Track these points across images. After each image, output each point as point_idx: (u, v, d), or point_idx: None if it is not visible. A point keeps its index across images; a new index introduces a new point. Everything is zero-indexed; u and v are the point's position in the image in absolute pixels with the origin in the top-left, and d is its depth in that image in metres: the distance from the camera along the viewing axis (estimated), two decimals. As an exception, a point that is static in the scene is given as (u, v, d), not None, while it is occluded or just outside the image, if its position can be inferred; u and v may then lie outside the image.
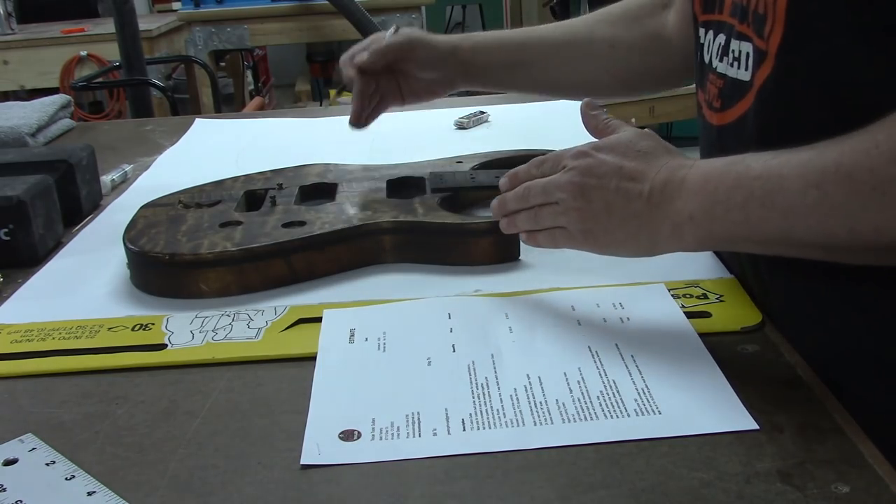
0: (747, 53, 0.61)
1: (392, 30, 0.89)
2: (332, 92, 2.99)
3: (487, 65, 0.91)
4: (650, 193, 0.59)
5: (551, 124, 1.28)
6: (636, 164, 0.61)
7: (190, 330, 0.68)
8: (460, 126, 1.25)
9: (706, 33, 0.70)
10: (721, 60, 0.66)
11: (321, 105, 3.43)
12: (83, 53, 3.14)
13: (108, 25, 2.68)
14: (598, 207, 0.61)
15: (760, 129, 0.61)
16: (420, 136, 1.25)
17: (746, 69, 0.62)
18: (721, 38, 0.67)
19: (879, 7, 0.52)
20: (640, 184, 0.59)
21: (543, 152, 1.01)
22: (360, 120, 0.90)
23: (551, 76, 0.92)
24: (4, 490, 0.49)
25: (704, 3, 0.70)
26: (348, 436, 0.53)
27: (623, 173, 0.60)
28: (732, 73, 0.64)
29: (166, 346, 0.66)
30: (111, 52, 2.83)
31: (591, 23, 0.92)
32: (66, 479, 0.50)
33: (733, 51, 0.64)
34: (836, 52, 0.55)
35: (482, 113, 1.28)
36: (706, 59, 0.70)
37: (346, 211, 0.81)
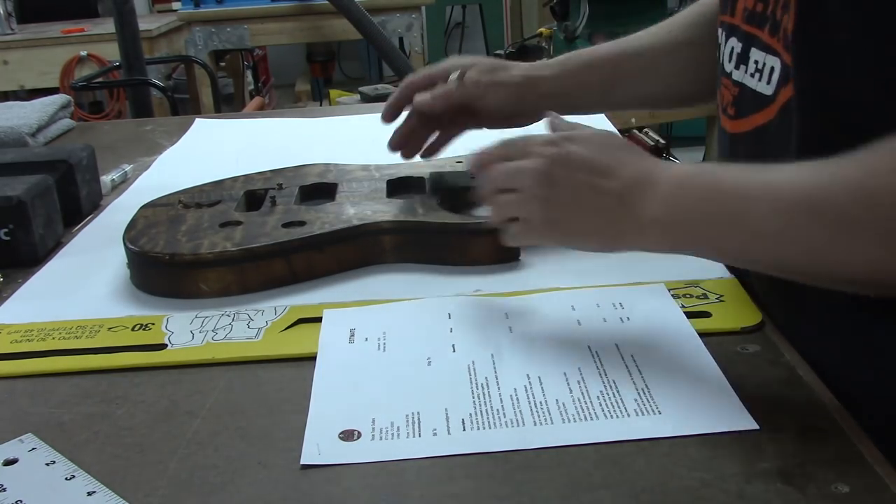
0: (772, 67, 0.60)
1: (456, 75, 0.83)
2: (332, 92, 2.99)
3: (578, 88, 0.85)
4: (620, 192, 0.58)
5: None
6: (608, 161, 0.59)
7: (190, 330, 0.68)
8: (460, 126, 1.25)
9: (721, 34, 0.69)
10: (738, 68, 0.65)
11: (321, 105, 3.43)
12: (83, 53, 3.14)
13: (108, 25, 2.68)
14: (564, 199, 0.59)
15: (781, 146, 0.60)
16: (420, 136, 1.25)
17: (769, 83, 0.61)
18: (734, 42, 0.65)
19: (876, 37, 0.52)
20: (611, 181, 0.58)
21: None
22: (396, 148, 0.88)
23: (651, 90, 0.87)
24: (4, 490, 0.49)
25: (722, 3, 0.69)
26: (348, 436, 0.53)
27: (594, 168, 0.59)
28: (751, 83, 0.63)
29: (166, 346, 0.66)
30: (111, 52, 2.83)
31: (687, 25, 0.85)
32: (66, 479, 0.50)
33: (756, 61, 0.62)
34: (840, 75, 0.54)
35: (482, 113, 1.28)
36: (720, 60, 0.69)
37: (346, 211, 0.81)
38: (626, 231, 0.58)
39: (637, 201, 0.57)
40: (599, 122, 1.28)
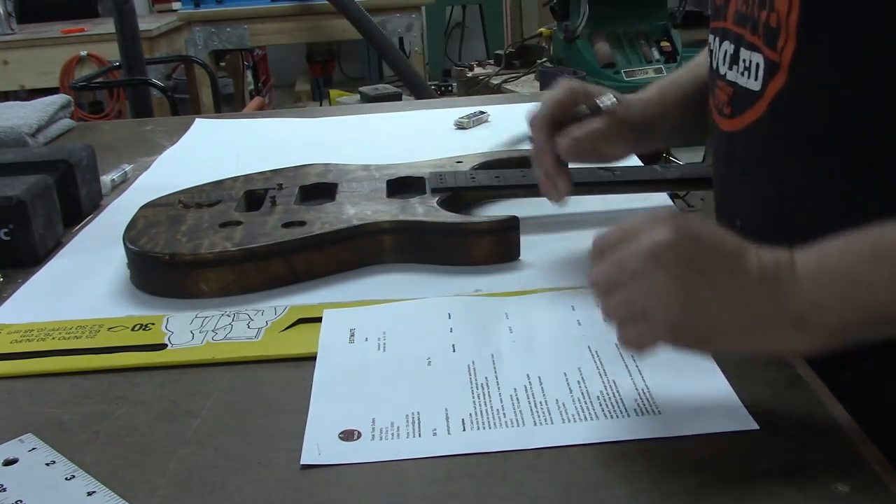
0: (757, 64, 0.62)
1: (610, 101, 0.74)
2: (332, 92, 2.99)
3: (663, 121, 0.80)
4: (760, 271, 0.48)
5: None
6: (731, 239, 0.50)
7: (190, 330, 0.68)
8: (460, 126, 1.25)
9: (714, 39, 0.70)
10: (731, 69, 0.66)
11: (321, 105, 3.43)
12: (83, 53, 3.13)
13: (108, 25, 2.68)
14: (691, 278, 0.47)
15: (773, 139, 0.62)
16: (420, 136, 1.25)
17: (756, 79, 0.62)
18: (727, 45, 0.67)
19: (888, 28, 0.53)
20: (743, 260, 0.49)
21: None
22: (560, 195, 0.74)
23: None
24: (4, 490, 0.49)
25: (714, 11, 0.71)
26: (348, 436, 0.53)
27: (718, 244, 0.49)
28: (742, 81, 0.64)
29: (166, 346, 0.66)
30: (111, 52, 2.83)
31: None
32: (66, 479, 0.50)
33: (744, 60, 0.64)
34: (846, 69, 0.56)
35: (482, 113, 1.28)
36: (713, 65, 0.70)
37: (346, 211, 0.81)
38: (777, 323, 0.47)
39: (781, 283, 0.48)
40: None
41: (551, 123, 0.73)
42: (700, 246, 0.48)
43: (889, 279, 0.46)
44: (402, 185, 0.89)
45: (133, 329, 0.69)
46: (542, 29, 2.85)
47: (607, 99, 0.73)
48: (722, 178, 0.72)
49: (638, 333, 0.49)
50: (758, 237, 0.64)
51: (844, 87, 0.56)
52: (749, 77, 0.64)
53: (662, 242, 0.48)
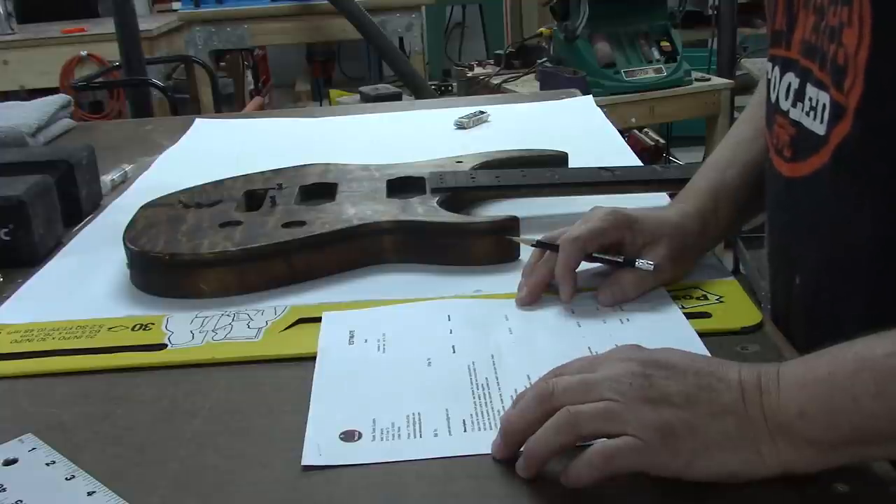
0: (824, 105, 0.56)
1: (651, 266, 0.68)
2: (332, 92, 2.99)
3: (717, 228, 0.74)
4: (742, 386, 0.47)
5: (551, 124, 1.28)
6: (708, 361, 0.50)
7: (190, 330, 0.68)
8: (460, 126, 1.25)
9: (774, 69, 0.64)
10: (794, 106, 0.60)
11: (321, 105, 3.43)
12: (83, 53, 3.13)
13: (108, 25, 2.68)
14: (677, 400, 0.47)
15: (836, 191, 0.57)
16: (420, 136, 1.25)
17: (822, 122, 0.57)
18: (791, 77, 0.61)
19: None
20: (724, 379, 0.47)
21: (544, 152, 1.02)
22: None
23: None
24: (4, 490, 0.49)
25: (773, 35, 0.65)
26: (349, 436, 0.53)
27: (697, 368, 0.48)
28: (807, 122, 0.59)
29: (166, 346, 0.66)
30: (111, 52, 2.82)
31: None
32: (66, 479, 0.50)
33: (810, 98, 0.58)
34: None
35: (482, 113, 1.28)
36: (772, 97, 0.64)
37: (346, 211, 0.81)
38: (763, 436, 0.46)
39: (766, 396, 0.46)
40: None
41: (582, 248, 0.68)
42: (669, 369, 0.48)
43: (874, 390, 0.44)
44: (402, 185, 0.89)
45: (133, 329, 0.69)
46: (542, 29, 2.85)
47: (645, 263, 0.67)
48: (780, 228, 0.66)
49: (618, 449, 0.46)
50: (820, 300, 0.61)
51: None
52: (815, 118, 0.57)
53: (635, 369, 0.48)
